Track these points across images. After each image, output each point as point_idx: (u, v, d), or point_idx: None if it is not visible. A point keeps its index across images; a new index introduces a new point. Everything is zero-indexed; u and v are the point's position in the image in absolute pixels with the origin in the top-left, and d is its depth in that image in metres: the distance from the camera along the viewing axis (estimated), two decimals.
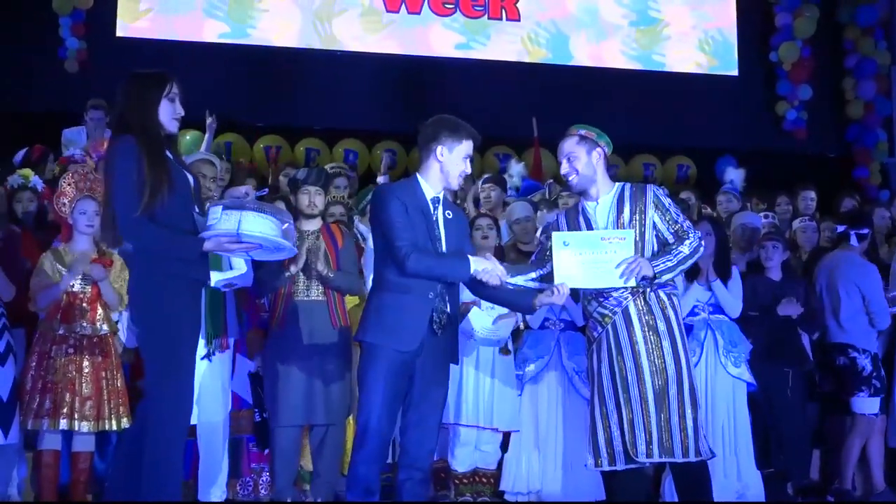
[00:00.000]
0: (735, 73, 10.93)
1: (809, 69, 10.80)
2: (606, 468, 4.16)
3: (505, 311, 5.24)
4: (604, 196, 4.28)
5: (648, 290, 4.11)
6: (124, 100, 3.85)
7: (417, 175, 4.14)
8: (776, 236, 5.90)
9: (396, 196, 4.03)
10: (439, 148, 4.06)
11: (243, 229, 3.67)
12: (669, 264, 4.08)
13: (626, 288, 4.11)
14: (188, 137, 8.64)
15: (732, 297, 5.43)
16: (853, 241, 5.91)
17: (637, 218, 4.18)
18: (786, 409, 5.56)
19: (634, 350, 4.10)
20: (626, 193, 4.24)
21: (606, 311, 4.18)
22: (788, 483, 5.64)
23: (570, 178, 4.26)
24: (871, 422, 5.72)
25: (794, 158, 10.54)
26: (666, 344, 4.09)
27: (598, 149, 4.25)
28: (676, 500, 4.60)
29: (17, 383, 4.92)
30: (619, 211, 4.21)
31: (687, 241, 4.13)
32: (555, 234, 4.18)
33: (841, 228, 6.06)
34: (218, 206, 3.74)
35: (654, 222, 4.18)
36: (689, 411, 4.06)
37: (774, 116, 10.92)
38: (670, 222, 4.18)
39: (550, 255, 4.14)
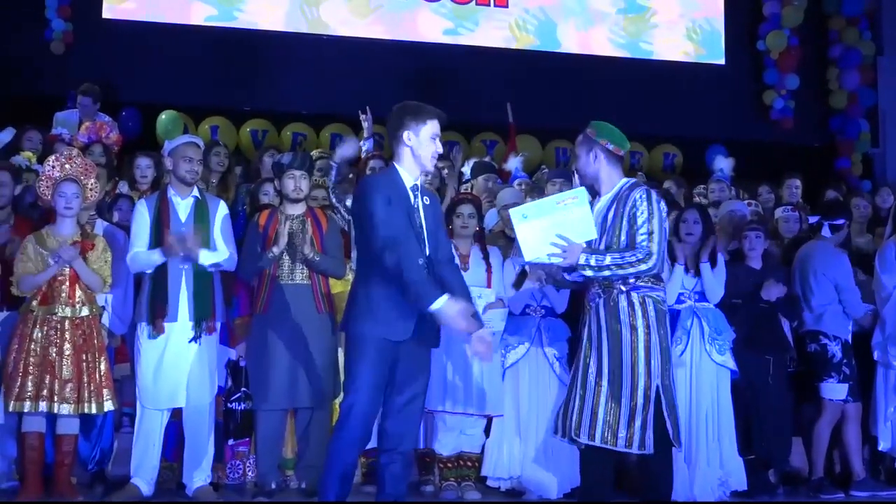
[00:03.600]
0: (722, 61, 10.96)
1: (796, 58, 10.84)
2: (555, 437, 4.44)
3: (493, 300, 5.27)
4: (605, 194, 4.39)
5: (617, 292, 4.24)
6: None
7: (395, 165, 4.16)
8: (758, 225, 5.94)
9: (379, 189, 4.05)
10: (406, 133, 4.08)
11: None
12: (598, 262, 4.19)
13: (598, 286, 4.27)
14: (164, 117, 8.58)
15: (717, 283, 5.46)
16: (825, 231, 5.96)
17: (616, 222, 4.28)
18: (767, 397, 5.60)
19: (599, 346, 4.29)
20: (624, 193, 4.31)
21: (586, 304, 4.38)
22: (770, 470, 5.68)
23: (577, 177, 4.34)
24: (838, 407, 5.77)
25: (780, 148, 10.59)
26: (626, 347, 4.23)
27: (597, 148, 4.31)
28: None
29: (2, 365, 4.91)
30: (608, 210, 4.32)
31: (630, 253, 4.20)
32: (512, 210, 4.33)
33: (815, 219, 6.11)
34: None
35: (624, 228, 4.26)
36: (640, 407, 4.19)
37: (762, 105, 10.95)
38: (632, 232, 4.24)
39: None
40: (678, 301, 5.46)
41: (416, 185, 4.14)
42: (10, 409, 4.86)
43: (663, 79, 10.60)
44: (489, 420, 5.36)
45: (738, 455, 5.43)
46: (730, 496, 5.39)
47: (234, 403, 5.36)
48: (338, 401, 5.06)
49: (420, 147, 4.08)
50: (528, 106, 9.84)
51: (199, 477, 5.12)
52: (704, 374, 5.39)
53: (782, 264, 6.03)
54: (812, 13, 10.89)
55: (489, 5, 10.47)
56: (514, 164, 7.23)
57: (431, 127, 4.09)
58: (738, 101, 10.90)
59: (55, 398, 4.87)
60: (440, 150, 4.15)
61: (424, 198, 4.16)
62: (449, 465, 5.35)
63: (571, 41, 10.63)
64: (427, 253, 4.07)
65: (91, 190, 5.15)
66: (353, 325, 4.06)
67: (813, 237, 6.06)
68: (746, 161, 7.96)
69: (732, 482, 5.39)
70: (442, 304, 3.86)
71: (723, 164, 7.54)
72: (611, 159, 4.36)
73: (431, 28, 10.33)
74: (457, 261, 5.21)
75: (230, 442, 5.42)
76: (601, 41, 10.70)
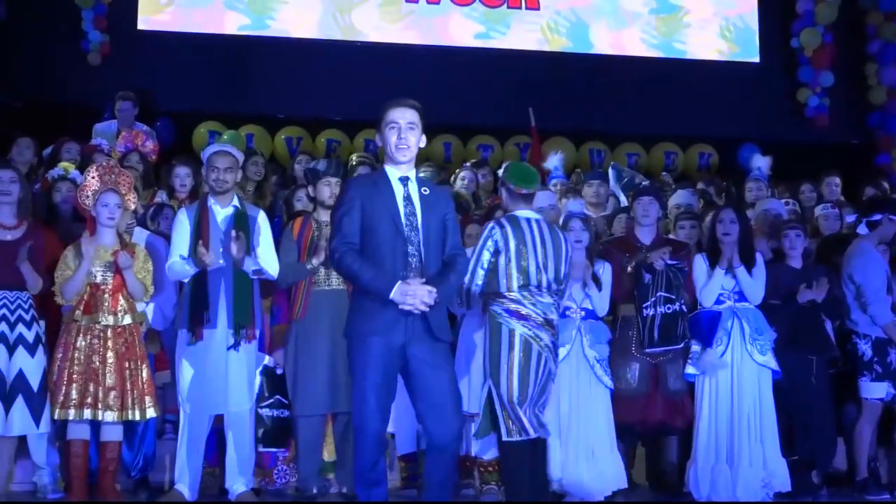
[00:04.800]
0: (757, 60, 10.86)
1: (831, 55, 10.72)
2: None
3: None
4: None
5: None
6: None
7: (384, 164, 4.24)
8: (798, 224, 5.88)
9: (353, 190, 4.15)
10: (379, 133, 4.19)
11: None
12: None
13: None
14: (225, 137, 8.68)
15: (756, 284, 5.41)
16: (862, 228, 5.90)
17: None
18: (810, 397, 5.55)
19: None
20: None
21: None
22: (814, 471, 5.62)
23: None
24: (877, 406, 5.70)
25: (816, 145, 10.46)
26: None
27: (503, 186, 4.96)
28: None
29: (47, 374, 4.98)
30: None
31: None
32: None
33: (853, 217, 6.04)
34: None
35: None
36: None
37: (796, 103, 10.84)
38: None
39: None
40: (718, 302, 5.44)
41: (405, 177, 4.15)
42: (56, 416, 4.93)
43: (697, 78, 10.53)
44: None
45: (782, 456, 5.37)
46: (773, 497, 5.34)
47: (264, 409, 5.38)
48: None
49: (385, 141, 4.15)
50: (561, 108, 9.85)
51: (241, 482, 5.16)
52: (746, 374, 5.35)
53: (815, 262, 5.97)
54: (847, 9, 10.76)
55: (520, 8, 10.46)
56: (553, 162, 7.21)
57: (387, 117, 4.13)
58: (773, 99, 10.80)
59: (99, 406, 4.93)
60: (404, 138, 4.10)
61: (423, 189, 4.18)
62: (489, 468, 5.34)
63: (604, 42, 10.60)
64: (417, 240, 4.06)
65: (130, 200, 5.22)
66: (349, 329, 4.11)
67: (852, 235, 6.00)
68: (782, 160, 7.89)
69: (776, 483, 5.33)
70: (395, 291, 3.93)
71: (760, 162, 7.48)
72: (512, 196, 4.86)
73: (463, 32, 10.35)
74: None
75: (259, 448, 5.43)
76: (634, 41, 10.65)
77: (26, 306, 5.00)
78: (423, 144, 4.23)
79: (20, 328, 4.94)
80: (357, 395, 4.01)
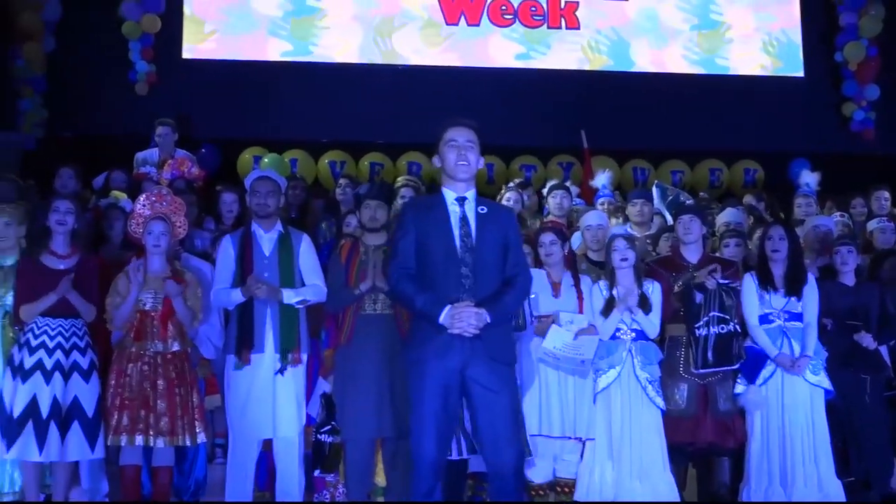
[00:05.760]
0: (801, 74, 10.78)
1: (876, 68, 10.60)
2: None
3: (585, 325, 5.22)
4: None
5: None
6: None
7: (442, 185, 4.26)
8: (850, 240, 5.79)
9: (409, 213, 4.20)
10: (437, 154, 4.22)
11: None
12: None
13: None
14: (266, 160, 8.77)
15: (809, 302, 5.34)
16: None
17: None
18: (864, 417, 5.44)
19: None
20: None
21: None
22: (871, 492, 5.51)
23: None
24: None
25: (862, 159, 10.32)
26: None
27: None
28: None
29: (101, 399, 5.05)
30: None
31: None
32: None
33: None
34: None
35: None
36: None
37: (841, 117, 10.73)
38: None
39: None
40: (767, 321, 5.36)
41: (462, 197, 4.16)
42: (109, 442, 4.99)
43: (741, 93, 10.46)
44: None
45: (837, 477, 5.28)
46: None
47: (323, 435, 5.39)
48: None
49: (443, 160, 4.17)
50: (603, 126, 9.82)
51: None
52: (798, 394, 5.26)
53: (869, 278, 5.87)
54: (891, 22, 10.63)
55: (560, 28, 10.48)
56: (601, 180, 7.17)
57: (445, 136, 4.16)
58: (818, 113, 10.71)
59: (151, 431, 4.98)
60: (464, 157, 4.11)
61: (480, 207, 4.17)
62: (541, 491, 5.30)
63: (645, 59, 10.58)
64: (471, 261, 4.04)
65: (179, 227, 5.29)
66: (406, 354, 4.13)
67: None
68: (828, 174, 7.80)
69: None
70: (443, 314, 3.94)
71: (808, 178, 7.40)
72: None
73: (503, 53, 10.38)
74: (548, 288, 5.27)
75: (316, 473, 5.44)
76: (675, 58, 10.62)
77: (80, 333, 5.07)
78: (481, 165, 4.24)
79: (75, 355, 5.00)
80: (414, 422, 4.02)
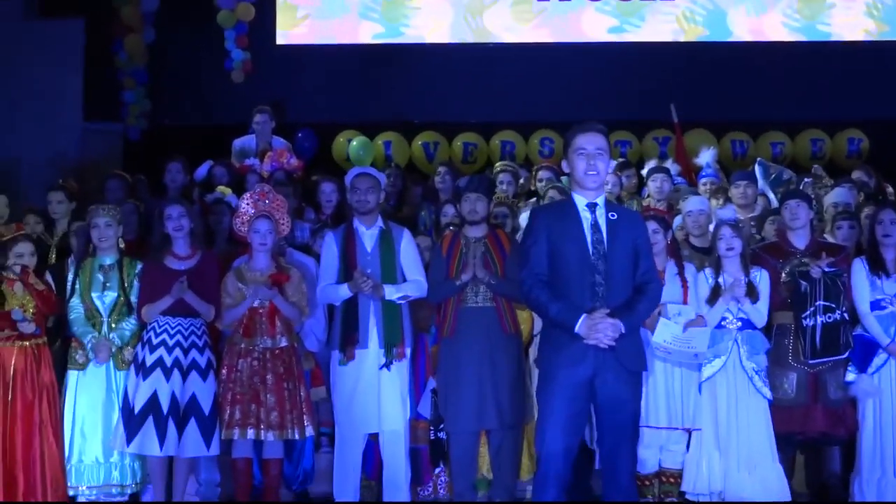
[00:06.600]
0: None
1: None
2: None
3: (693, 316, 5.15)
4: None
5: None
6: None
7: (572, 191, 4.23)
8: None
9: (540, 219, 4.15)
10: (566, 160, 4.19)
11: None
12: None
13: None
14: (354, 143, 8.80)
15: None
16: None
17: None
18: None
19: None
20: None
21: None
22: None
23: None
24: None
25: None
26: None
27: None
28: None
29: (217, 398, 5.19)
30: None
31: None
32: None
33: None
34: None
35: None
36: None
37: None
38: None
39: None
40: (879, 307, 5.21)
41: (593, 203, 4.11)
42: (222, 436, 5.13)
43: (844, 60, 10.06)
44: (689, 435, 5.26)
45: None
46: None
47: (442, 433, 5.38)
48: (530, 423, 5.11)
49: (574, 168, 4.12)
50: (700, 99, 9.62)
51: (397, 497, 5.25)
52: None
53: None
54: None
55: None
56: (704, 158, 7.02)
57: (574, 143, 4.11)
58: None
59: (261, 425, 5.11)
60: (594, 164, 4.06)
61: (611, 214, 4.12)
62: (647, 482, 5.28)
63: (743, 29, 10.26)
64: (604, 269, 4.01)
65: (283, 225, 5.38)
66: (540, 360, 4.14)
67: None
68: None
69: None
70: (579, 324, 3.92)
71: None
72: None
73: (596, 27, 10.20)
74: None
75: (437, 470, 5.48)
76: (775, 26, 10.27)
77: (199, 332, 5.21)
78: (611, 169, 4.20)
79: (193, 353, 5.15)
80: (540, 429, 4.06)
